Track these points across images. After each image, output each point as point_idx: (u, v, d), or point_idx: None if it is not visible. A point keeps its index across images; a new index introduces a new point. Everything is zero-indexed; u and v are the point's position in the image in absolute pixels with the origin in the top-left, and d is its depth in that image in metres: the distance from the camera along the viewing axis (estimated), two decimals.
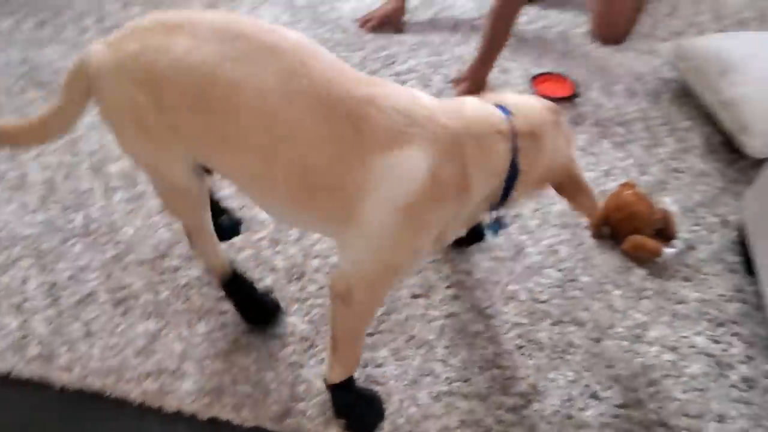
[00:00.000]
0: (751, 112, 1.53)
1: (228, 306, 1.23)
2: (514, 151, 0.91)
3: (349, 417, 1.08)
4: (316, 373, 1.14)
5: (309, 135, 0.84)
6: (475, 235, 1.31)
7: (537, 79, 1.80)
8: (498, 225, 1.04)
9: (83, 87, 0.97)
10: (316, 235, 1.37)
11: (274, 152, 0.86)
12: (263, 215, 1.40)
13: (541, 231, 1.40)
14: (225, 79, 0.85)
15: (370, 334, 1.20)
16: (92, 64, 0.93)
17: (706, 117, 1.69)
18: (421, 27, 2.03)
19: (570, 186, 1.02)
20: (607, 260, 1.35)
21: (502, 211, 1.00)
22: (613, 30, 1.93)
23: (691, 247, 1.38)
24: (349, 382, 1.06)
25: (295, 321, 1.23)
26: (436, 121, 0.86)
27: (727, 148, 1.61)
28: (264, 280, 1.29)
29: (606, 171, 1.55)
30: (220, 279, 1.18)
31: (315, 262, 1.33)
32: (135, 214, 1.42)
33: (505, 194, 0.95)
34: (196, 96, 0.87)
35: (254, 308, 1.21)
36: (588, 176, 1.46)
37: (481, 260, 1.34)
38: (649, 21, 2.05)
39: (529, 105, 0.97)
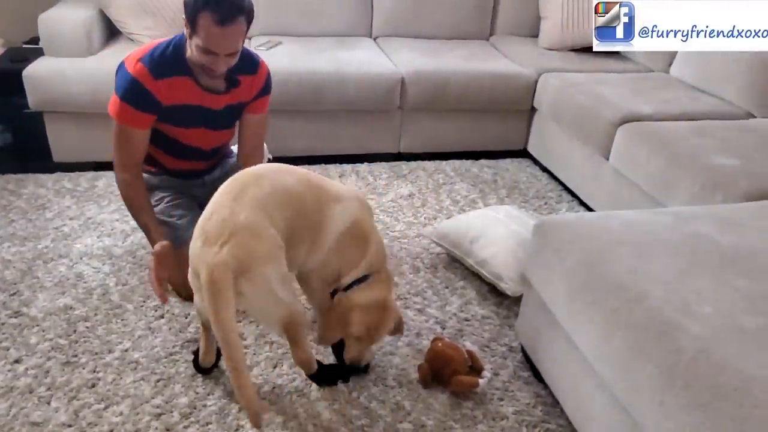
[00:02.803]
0: (500, 265, 2.09)
1: None
2: None
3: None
4: None
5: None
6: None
7: None
8: None
9: (231, 292, 1.37)
10: None
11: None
12: None
13: (385, 393, 1.69)
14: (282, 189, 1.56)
15: None
16: (239, 254, 1.39)
17: (473, 274, 2.23)
18: None
19: None
20: (441, 402, 1.67)
21: None
22: None
23: (495, 374, 1.78)
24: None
25: None
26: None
27: (495, 293, 2.13)
28: None
29: (417, 333, 1.92)
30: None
31: None
32: None
33: None
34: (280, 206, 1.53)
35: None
36: (404, 340, 1.84)
37: None
38: (410, 212, 2.65)
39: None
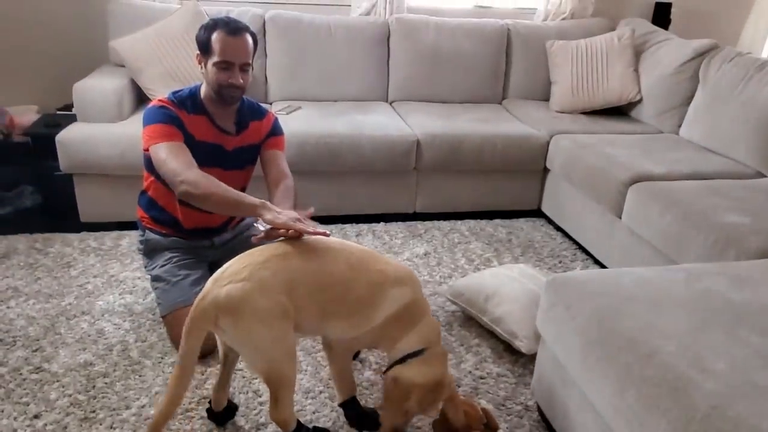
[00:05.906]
0: (514, 322, 2.10)
1: None
2: None
3: None
4: None
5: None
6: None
7: None
8: None
9: (209, 324, 1.46)
10: None
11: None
12: None
13: None
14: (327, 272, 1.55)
15: None
16: (234, 297, 1.44)
17: (488, 332, 2.23)
18: None
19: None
20: None
21: None
22: None
23: None
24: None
25: None
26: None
27: (510, 351, 2.13)
28: None
29: None
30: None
31: None
32: None
33: None
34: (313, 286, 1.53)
35: None
36: None
37: None
38: (425, 271, 2.68)
39: None
